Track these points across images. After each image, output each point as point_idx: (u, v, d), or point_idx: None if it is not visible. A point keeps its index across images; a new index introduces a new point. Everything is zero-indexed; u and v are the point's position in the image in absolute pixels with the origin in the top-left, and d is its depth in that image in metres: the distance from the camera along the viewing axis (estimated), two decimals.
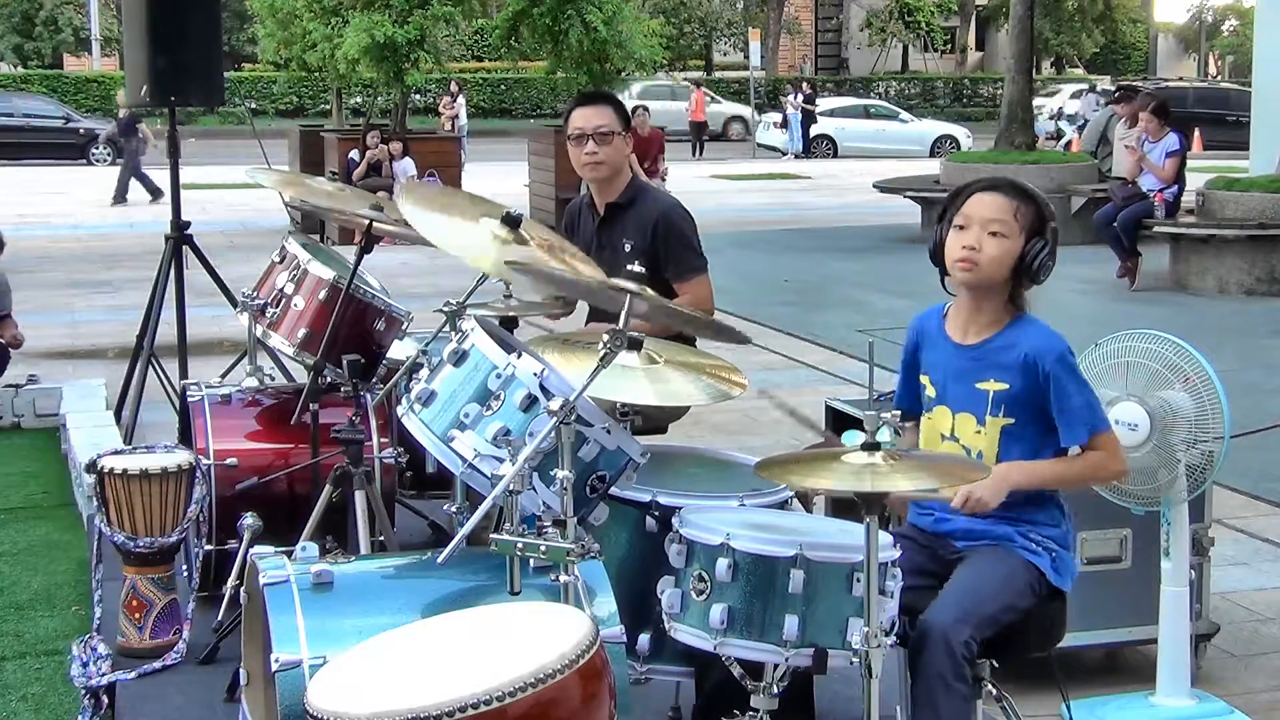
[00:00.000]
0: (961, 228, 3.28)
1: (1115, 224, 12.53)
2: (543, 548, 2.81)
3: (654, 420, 4.47)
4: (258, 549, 3.07)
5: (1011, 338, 3.28)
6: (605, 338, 2.94)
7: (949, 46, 50.58)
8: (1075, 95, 28.39)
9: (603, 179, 4.61)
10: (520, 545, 2.80)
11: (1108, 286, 12.60)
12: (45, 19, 41.88)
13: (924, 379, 3.41)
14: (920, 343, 3.45)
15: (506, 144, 29.00)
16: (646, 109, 19.20)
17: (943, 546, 3.33)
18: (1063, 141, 25.46)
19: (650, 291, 3.21)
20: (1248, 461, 6.28)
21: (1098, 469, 3.31)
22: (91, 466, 4.18)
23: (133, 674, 4.00)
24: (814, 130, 33.79)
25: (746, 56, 39.20)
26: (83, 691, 3.96)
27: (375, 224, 4.31)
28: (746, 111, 36.16)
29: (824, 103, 35.93)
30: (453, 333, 3.41)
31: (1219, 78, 54.15)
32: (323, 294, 4.39)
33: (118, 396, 7.25)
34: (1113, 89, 20.49)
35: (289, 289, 4.43)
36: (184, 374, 6.94)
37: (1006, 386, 3.25)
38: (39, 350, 9.86)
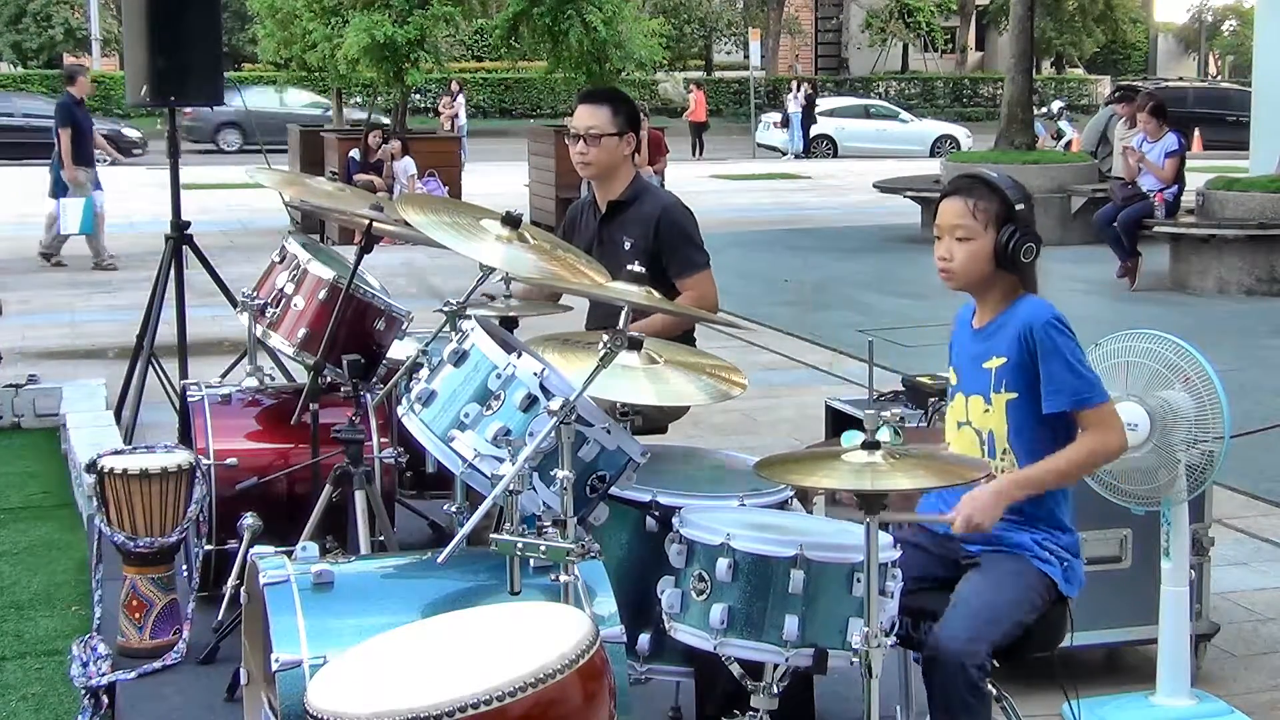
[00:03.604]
0: (938, 238, 3.36)
1: (1115, 224, 12.53)
2: (543, 548, 2.81)
3: (654, 420, 4.47)
4: (258, 549, 3.07)
5: (1010, 315, 3.32)
6: (605, 338, 2.94)
7: (949, 46, 50.57)
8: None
9: (594, 178, 4.63)
10: (520, 545, 2.80)
11: (1108, 286, 12.60)
12: (36, 12, 41.74)
13: (950, 370, 3.47)
14: (954, 338, 3.51)
15: (506, 144, 29.02)
16: (646, 112, 19.18)
17: (954, 550, 3.33)
18: (1063, 141, 25.46)
19: (656, 294, 3.21)
20: (1248, 461, 6.28)
21: (1096, 453, 3.27)
22: (91, 466, 4.18)
23: (133, 674, 4.00)
24: (814, 130, 33.79)
25: (746, 56, 39.20)
26: (83, 691, 3.96)
27: (375, 224, 4.31)
28: None
29: (824, 103, 35.92)
30: (453, 333, 3.41)
31: (1219, 78, 54.14)
32: (323, 294, 4.39)
33: (118, 396, 7.25)
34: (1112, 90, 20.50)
35: (289, 289, 4.43)
36: (184, 374, 6.94)
37: (1005, 360, 3.28)
38: (39, 350, 9.87)
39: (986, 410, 3.31)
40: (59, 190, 14.17)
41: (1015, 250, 3.27)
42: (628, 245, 4.57)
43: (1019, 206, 3.30)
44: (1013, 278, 3.32)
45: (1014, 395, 3.27)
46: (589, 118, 4.54)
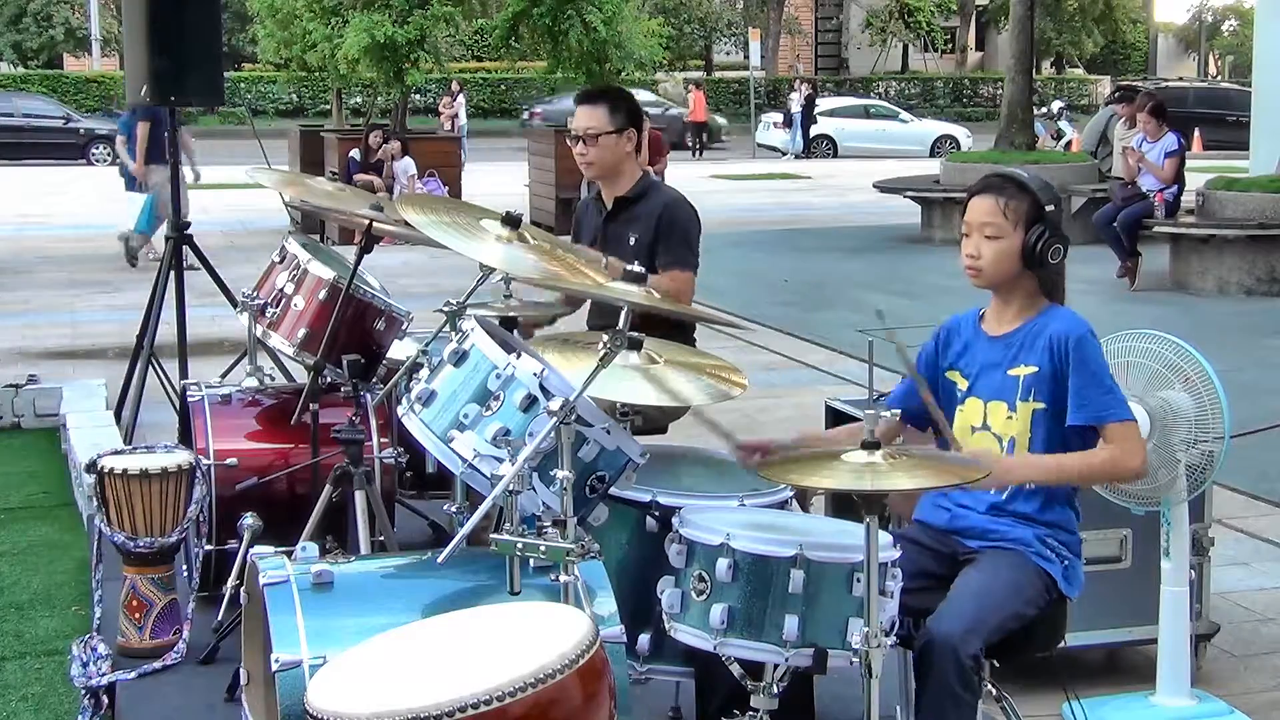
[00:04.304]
0: (966, 235, 3.36)
1: (1115, 224, 12.52)
2: (543, 548, 2.81)
3: (654, 420, 4.48)
4: (258, 549, 3.07)
5: (1041, 324, 3.32)
6: (605, 338, 2.94)
7: (949, 46, 50.58)
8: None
9: (598, 178, 4.67)
10: (520, 545, 2.80)
11: (1108, 286, 12.59)
12: (37, 12, 41.76)
13: (954, 375, 3.44)
14: (948, 344, 3.48)
15: (506, 144, 29.02)
16: (646, 112, 19.18)
17: (953, 545, 3.33)
18: (1063, 142, 25.46)
19: (656, 294, 3.20)
20: (1248, 461, 6.28)
21: (1111, 466, 3.28)
22: (91, 466, 4.18)
23: (133, 674, 4.00)
24: (814, 130, 33.80)
25: (746, 56, 39.20)
26: (83, 691, 3.96)
27: (375, 224, 4.32)
28: None
29: (824, 103, 35.92)
30: (453, 333, 3.41)
31: (1219, 78, 54.16)
32: (323, 294, 4.39)
33: (118, 396, 7.24)
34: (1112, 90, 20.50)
35: (289, 289, 4.43)
36: (184, 374, 6.93)
37: (1035, 369, 3.28)
38: (39, 350, 9.87)
39: (1010, 417, 3.31)
40: (132, 185, 13.94)
41: (1044, 251, 3.28)
42: (631, 241, 4.58)
43: (1049, 208, 3.30)
44: (1036, 279, 3.33)
45: (1041, 405, 3.28)
46: (586, 118, 4.56)
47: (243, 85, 39.59)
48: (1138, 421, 3.35)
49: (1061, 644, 3.41)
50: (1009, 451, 3.30)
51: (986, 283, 3.35)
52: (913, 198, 17.07)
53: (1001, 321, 3.39)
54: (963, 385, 3.42)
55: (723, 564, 2.92)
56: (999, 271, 3.31)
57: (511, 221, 3.49)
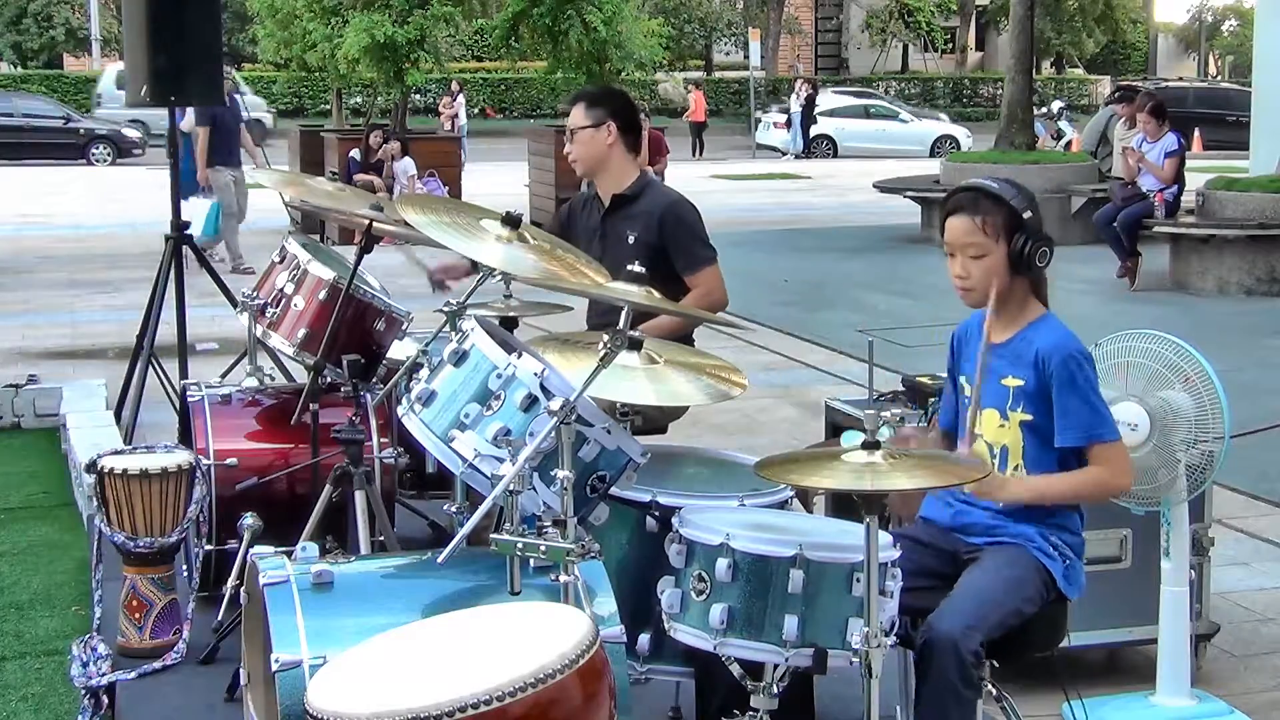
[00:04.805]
0: (951, 255, 3.36)
1: (1115, 224, 12.53)
2: (543, 548, 2.81)
3: (654, 420, 4.48)
4: (258, 549, 3.07)
5: (1031, 335, 3.33)
6: (605, 338, 2.94)
7: (949, 46, 50.58)
8: None
9: (586, 174, 4.73)
10: (520, 545, 2.80)
11: (1108, 286, 12.60)
12: (37, 12, 41.74)
13: (963, 379, 3.46)
14: (959, 350, 3.51)
15: (506, 144, 29.01)
16: (646, 113, 19.18)
17: (956, 543, 3.34)
18: (1063, 142, 25.46)
19: (656, 294, 3.21)
20: (1248, 461, 6.28)
21: (1101, 485, 3.31)
22: (91, 466, 4.18)
23: (133, 674, 4.00)
24: (814, 130, 33.80)
25: (746, 56, 39.20)
26: (83, 691, 3.96)
27: (375, 224, 4.32)
28: None
29: (824, 102, 35.92)
30: (453, 333, 3.42)
31: (1219, 78, 54.15)
32: (323, 294, 4.39)
33: (118, 396, 7.24)
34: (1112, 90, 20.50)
35: (289, 289, 4.44)
36: (184, 374, 6.93)
37: (1023, 382, 3.30)
38: (39, 350, 9.87)
39: (1002, 425, 3.33)
40: (187, 192, 13.68)
41: (1030, 256, 3.28)
42: (631, 239, 4.59)
43: (1026, 214, 3.30)
44: (1027, 283, 3.34)
45: (1029, 417, 3.29)
46: (570, 119, 4.66)
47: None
48: (1122, 440, 3.36)
49: (1061, 643, 3.41)
50: (1000, 459, 3.31)
51: (979, 301, 3.34)
52: (913, 198, 17.07)
53: (997, 329, 3.39)
54: (967, 391, 3.42)
55: (722, 564, 2.92)
56: (989, 286, 3.31)
57: (511, 221, 3.49)
